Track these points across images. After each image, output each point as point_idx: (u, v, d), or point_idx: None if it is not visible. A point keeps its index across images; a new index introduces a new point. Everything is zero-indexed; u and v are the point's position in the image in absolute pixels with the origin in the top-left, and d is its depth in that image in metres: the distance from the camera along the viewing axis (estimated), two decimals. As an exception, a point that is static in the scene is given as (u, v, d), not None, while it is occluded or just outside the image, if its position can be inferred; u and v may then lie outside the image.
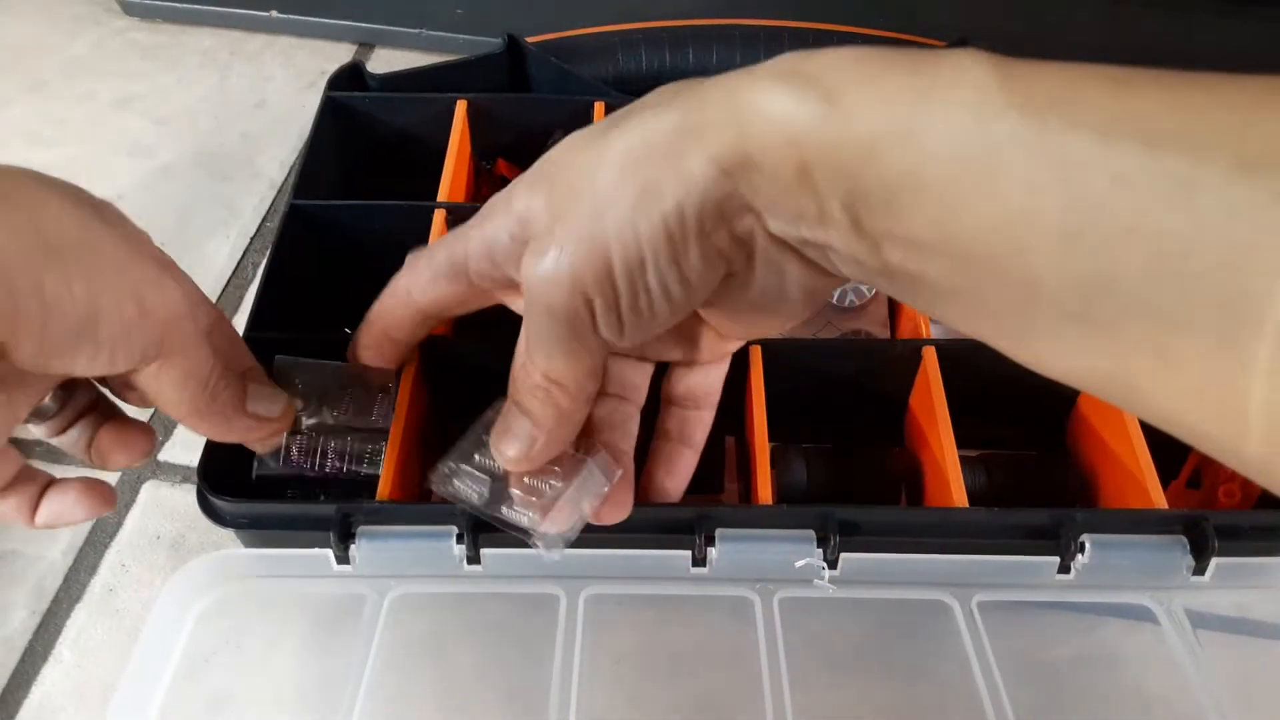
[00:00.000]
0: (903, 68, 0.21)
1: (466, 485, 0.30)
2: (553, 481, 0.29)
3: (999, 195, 0.19)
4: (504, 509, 0.30)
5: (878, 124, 0.20)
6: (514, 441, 0.28)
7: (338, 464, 0.37)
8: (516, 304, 0.29)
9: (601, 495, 0.30)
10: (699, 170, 0.23)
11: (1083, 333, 0.19)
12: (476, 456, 0.30)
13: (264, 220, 0.59)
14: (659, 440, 0.33)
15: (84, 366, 0.26)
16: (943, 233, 0.20)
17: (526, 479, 0.29)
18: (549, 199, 0.25)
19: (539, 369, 0.27)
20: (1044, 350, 0.21)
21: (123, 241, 0.27)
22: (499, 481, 0.30)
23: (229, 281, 0.55)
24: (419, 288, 0.31)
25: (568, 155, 0.25)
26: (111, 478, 0.47)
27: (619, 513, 0.31)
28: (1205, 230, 0.16)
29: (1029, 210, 0.19)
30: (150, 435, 0.31)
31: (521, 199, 0.27)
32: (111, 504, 0.30)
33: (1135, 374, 0.19)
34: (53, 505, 0.29)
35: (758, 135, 0.22)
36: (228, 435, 0.31)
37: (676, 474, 0.33)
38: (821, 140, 0.21)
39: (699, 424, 0.32)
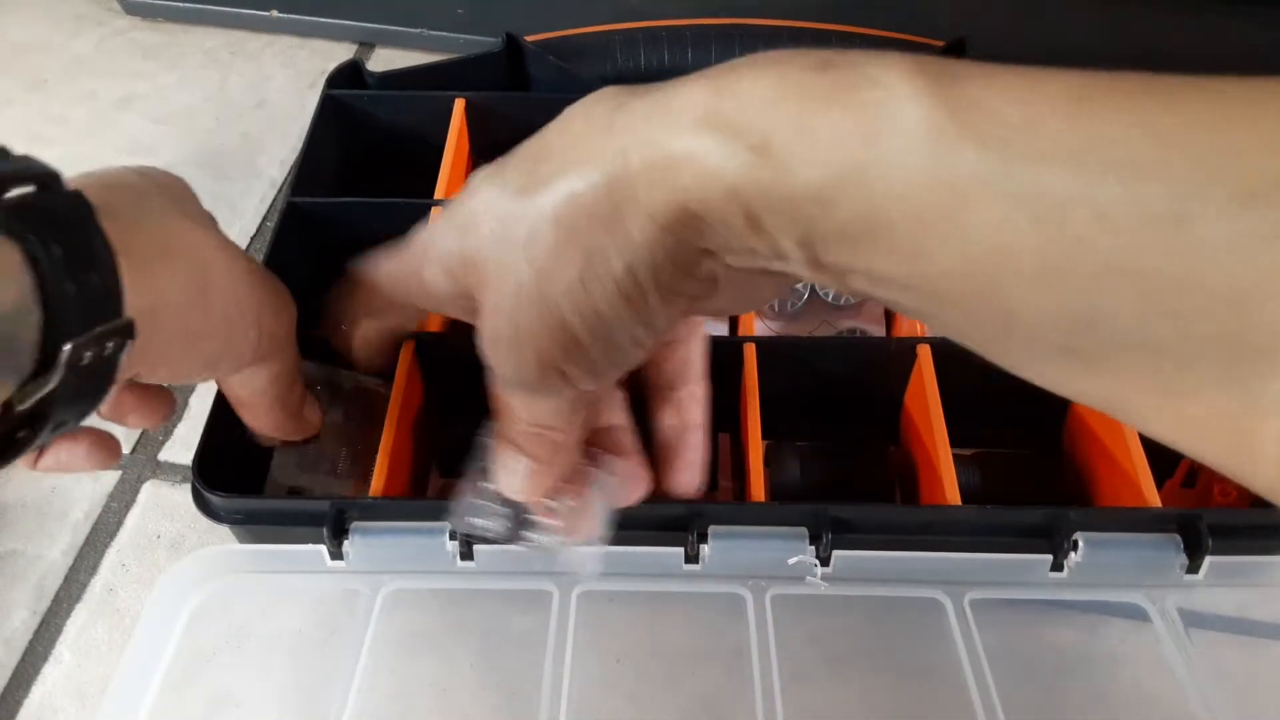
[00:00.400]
0: (834, 101, 0.19)
1: (485, 519, 0.30)
2: (568, 499, 0.29)
3: (967, 234, 0.18)
4: (526, 534, 0.30)
5: (822, 171, 0.19)
6: (515, 478, 0.28)
7: (351, 468, 0.38)
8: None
9: (618, 497, 0.30)
10: (641, 233, 0.21)
11: (1070, 362, 0.18)
12: (484, 486, 0.30)
13: (264, 220, 0.59)
14: (661, 434, 0.31)
15: (200, 379, 0.30)
16: (909, 271, 0.19)
17: (542, 501, 0.29)
18: (487, 259, 0.24)
19: (523, 420, 0.27)
20: (1029, 372, 0.20)
21: (248, 268, 0.30)
22: (514, 506, 0.30)
23: (228, 280, 0.56)
24: (376, 311, 0.31)
25: (495, 209, 0.24)
26: (116, 475, 0.47)
27: (639, 489, 0.30)
28: (1203, 267, 0.16)
29: (1002, 248, 0.18)
30: (171, 400, 0.32)
31: (452, 249, 0.26)
32: (118, 457, 0.30)
33: (1130, 400, 0.18)
34: (61, 454, 0.29)
35: (693, 190, 0.21)
36: (280, 430, 0.34)
37: (691, 462, 0.31)
38: (762, 190, 0.20)
39: (694, 401, 0.31)
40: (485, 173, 0.25)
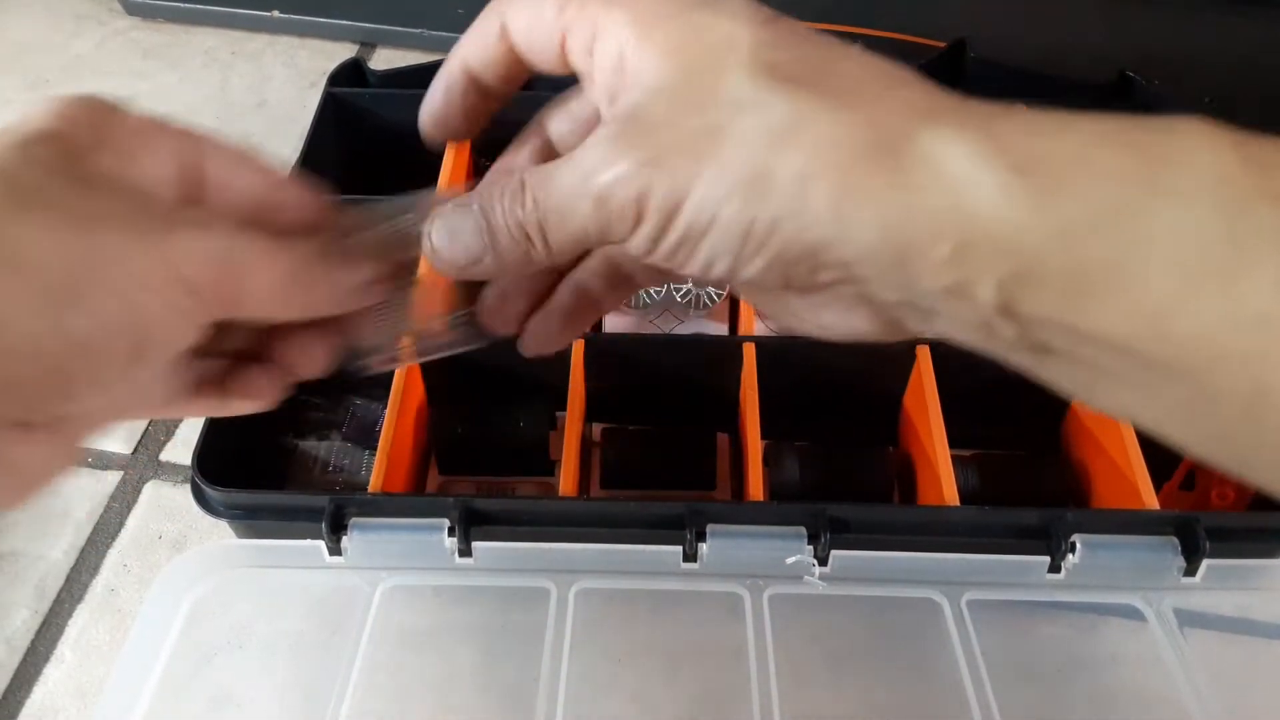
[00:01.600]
0: (1120, 140, 0.18)
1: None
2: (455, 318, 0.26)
3: (1236, 297, 0.17)
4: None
5: (1085, 206, 0.18)
6: (455, 249, 0.24)
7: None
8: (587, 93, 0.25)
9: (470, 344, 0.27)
10: (820, 205, 0.19)
11: None
12: (383, 225, 0.25)
13: (265, 218, 0.59)
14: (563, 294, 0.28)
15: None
16: (1146, 330, 0.18)
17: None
18: (672, 92, 0.21)
19: (538, 218, 0.23)
20: (1257, 460, 0.18)
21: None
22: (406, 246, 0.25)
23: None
24: (516, 16, 0.24)
25: (724, 71, 0.21)
26: (118, 475, 0.47)
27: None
28: None
29: (1275, 316, 0.16)
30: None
31: (646, 47, 0.22)
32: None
33: None
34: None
35: (915, 194, 0.18)
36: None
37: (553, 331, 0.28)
38: (1001, 216, 0.18)
39: (600, 309, 0.28)
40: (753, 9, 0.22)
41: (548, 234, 0.23)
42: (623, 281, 0.28)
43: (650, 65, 0.22)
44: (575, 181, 0.22)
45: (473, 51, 0.26)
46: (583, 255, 0.27)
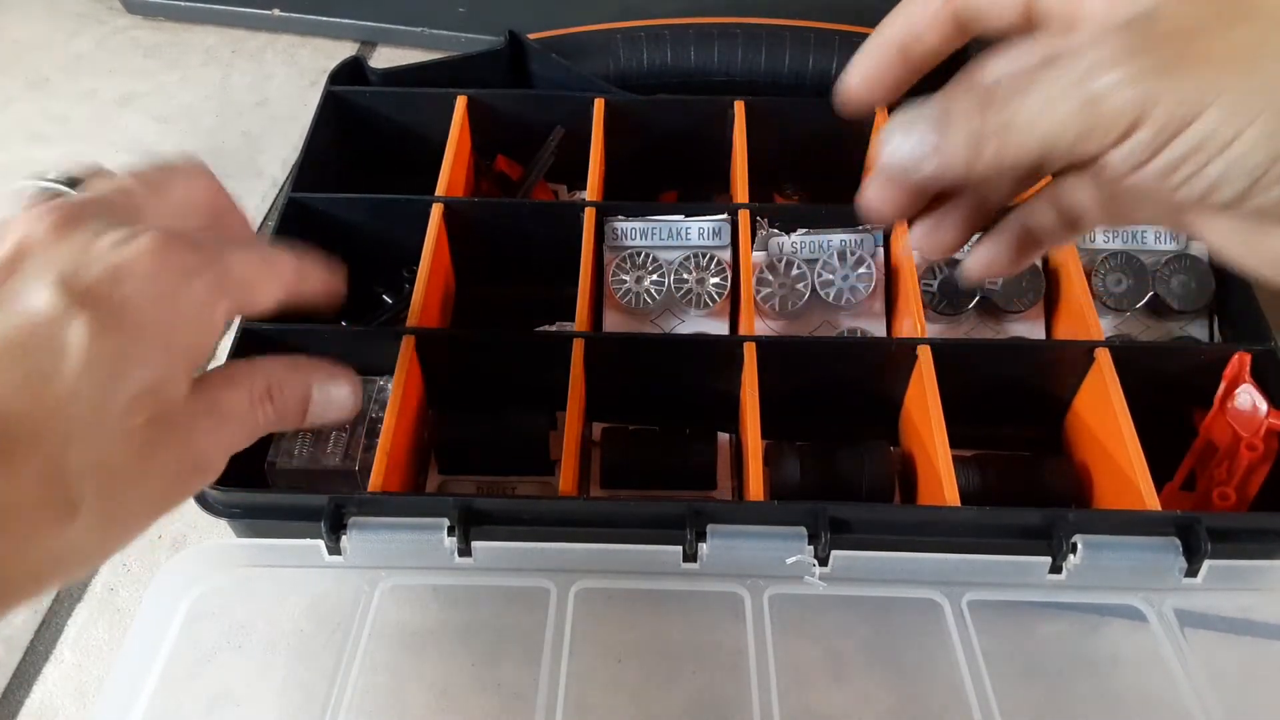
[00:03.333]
0: None
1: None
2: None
3: None
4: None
5: None
6: (905, 145, 0.23)
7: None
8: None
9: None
10: None
11: None
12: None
13: (265, 218, 0.59)
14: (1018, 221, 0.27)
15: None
16: None
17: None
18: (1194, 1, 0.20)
19: (1003, 120, 0.22)
20: None
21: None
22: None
23: (229, 277, 0.56)
24: None
25: None
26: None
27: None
28: None
29: None
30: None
31: None
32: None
33: None
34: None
35: None
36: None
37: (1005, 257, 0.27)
38: None
39: (1043, 246, 0.28)
40: None
41: (1007, 138, 0.22)
42: (1070, 221, 0.27)
43: None
44: (1063, 81, 0.21)
45: (908, 23, 0.26)
46: (1017, 190, 0.27)
